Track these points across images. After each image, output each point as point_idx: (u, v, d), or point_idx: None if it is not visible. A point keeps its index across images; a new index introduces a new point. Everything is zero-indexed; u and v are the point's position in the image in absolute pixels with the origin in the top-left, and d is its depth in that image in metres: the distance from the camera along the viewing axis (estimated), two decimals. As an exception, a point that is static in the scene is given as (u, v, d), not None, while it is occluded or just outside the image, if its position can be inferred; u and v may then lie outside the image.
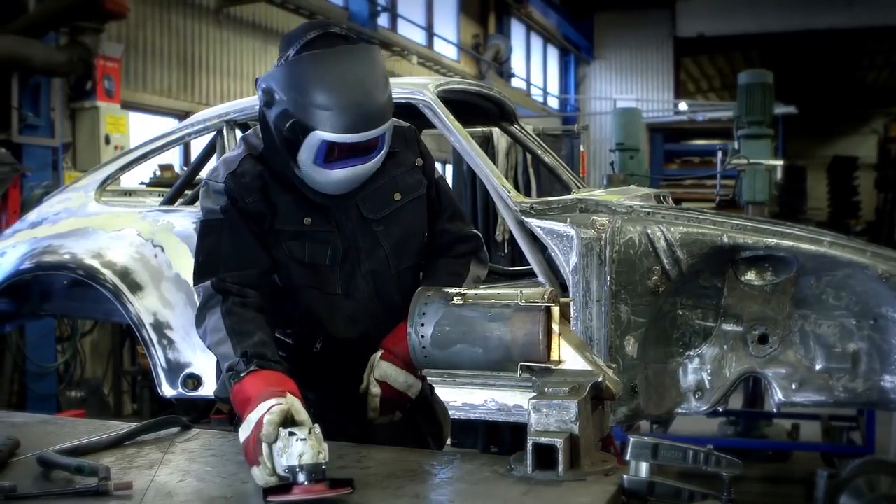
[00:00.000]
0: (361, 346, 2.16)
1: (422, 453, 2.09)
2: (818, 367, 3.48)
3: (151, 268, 4.23)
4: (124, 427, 2.15)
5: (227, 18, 10.21)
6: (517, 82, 19.25)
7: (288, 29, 2.26)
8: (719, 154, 6.98)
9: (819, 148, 26.83)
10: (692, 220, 3.54)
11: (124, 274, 4.21)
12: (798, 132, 19.97)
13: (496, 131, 6.03)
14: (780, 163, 7.02)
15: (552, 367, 1.85)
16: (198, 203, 2.87)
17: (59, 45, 7.37)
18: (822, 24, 19.15)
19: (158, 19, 9.16)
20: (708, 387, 3.57)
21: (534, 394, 1.81)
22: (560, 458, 1.70)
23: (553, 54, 22.28)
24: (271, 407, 1.74)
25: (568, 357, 1.86)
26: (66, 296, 4.70)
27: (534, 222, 3.70)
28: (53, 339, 7.17)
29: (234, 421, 2.29)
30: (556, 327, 1.87)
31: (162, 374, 4.13)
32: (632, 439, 1.70)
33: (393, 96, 2.11)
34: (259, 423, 1.73)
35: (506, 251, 6.19)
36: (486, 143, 6.14)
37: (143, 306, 4.17)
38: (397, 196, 2.22)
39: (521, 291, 1.89)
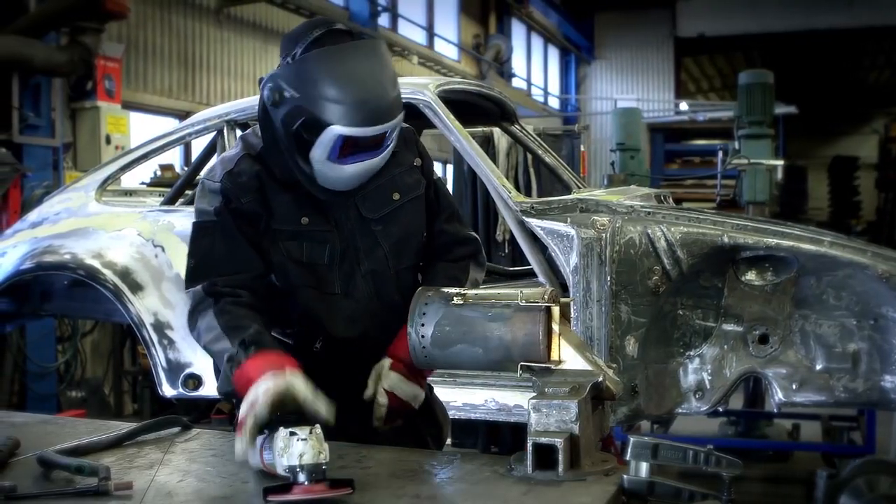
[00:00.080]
0: (361, 346, 2.16)
1: (422, 453, 2.09)
2: (818, 367, 3.48)
3: (152, 268, 4.23)
4: (124, 427, 2.15)
5: (227, 18, 10.21)
6: (518, 82, 19.25)
7: (288, 29, 2.26)
8: (720, 154, 6.97)
9: (820, 148, 26.83)
10: (692, 220, 3.54)
11: (125, 274, 4.21)
12: (799, 132, 19.96)
13: (497, 131, 6.03)
14: (780, 163, 7.02)
15: (552, 367, 1.85)
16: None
17: (60, 45, 7.37)
18: (823, 23, 19.15)
19: (159, 19, 9.16)
20: (708, 387, 3.56)
21: (534, 394, 1.81)
22: (560, 458, 1.70)
23: (554, 54, 22.28)
24: (268, 386, 1.79)
25: (568, 357, 1.86)
26: (66, 296, 4.70)
27: (534, 222, 3.70)
28: (54, 339, 7.17)
29: (234, 421, 2.30)
30: (556, 327, 1.87)
31: (162, 374, 4.13)
32: (632, 439, 1.70)
33: None
34: (254, 403, 1.78)
35: (506, 251, 6.19)
36: (487, 143, 6.14)
37: (144, 306, 4.17)
38: (396, 196, 2.22)
39: (521, 291, 1.89)
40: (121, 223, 4.37)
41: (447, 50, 16.41)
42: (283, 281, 2.15)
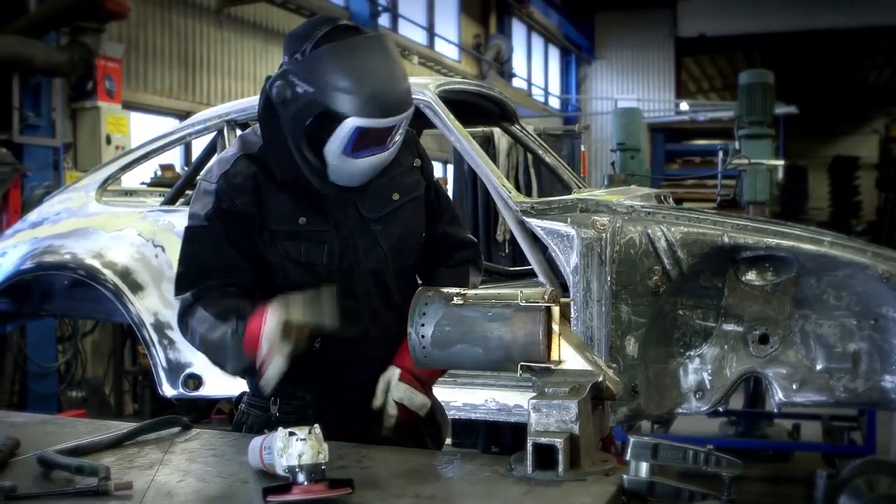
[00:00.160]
0: (361, 345, 2.17)
1: (422, 453, 2.09)
2: (819, 367, 3.48)
3: (152, 268, 4.23)
4: (124, 427, 2.14)
5: (227, 18, 10.21)
6: (518, 82, 19.25)
7: (289, 29, 2.26)
8: (720, 154, 6.98)
9: (820, 148, 26.83)
10: (693, 220, 3.54)
11: (125, 274, 4.21)
12: (799, 132, 19.97)
13: (497, 131, 6.03)
14: (780, 163, 7.03)
15: (552, 367, 1.85)
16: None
17: (60, 45, 7.37)
18: (824, 23, 19.15)
19: (159, 19, 9.16)
20: (709, 387, 3.56)
21: (534, 394, 1.81)
22: (560, 458, 1.69)
23: (554, 54, 22.28)
24: (273, 316, 1.90)
25: (568, 357, 1.86)
26: (66, 296, 4.70)
27: (534, 222, 3.70)
28: (54, 339, 7.18)
29: (234, 421, 2.30)
30: (556, 327, 1.86)
31: (163, 374, 4.13)
32: (632, 439, 1.70)
33: None
34: (269, 336, 1.90)
35: (506, 251, 6.19)
36: (487, 144, 6.14)
37: (144, 306, 4.17)
38: (396, 196, 2.23)
39: (521, 291, 1.89)
40: (121, 223, 4.38)
41: (447, 50, 16.41)
42: (282, 281, 2.15)
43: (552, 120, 19.10)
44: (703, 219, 3.54)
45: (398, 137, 2.11)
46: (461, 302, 1.93)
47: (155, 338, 4.14)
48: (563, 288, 3.65)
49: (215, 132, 4.37)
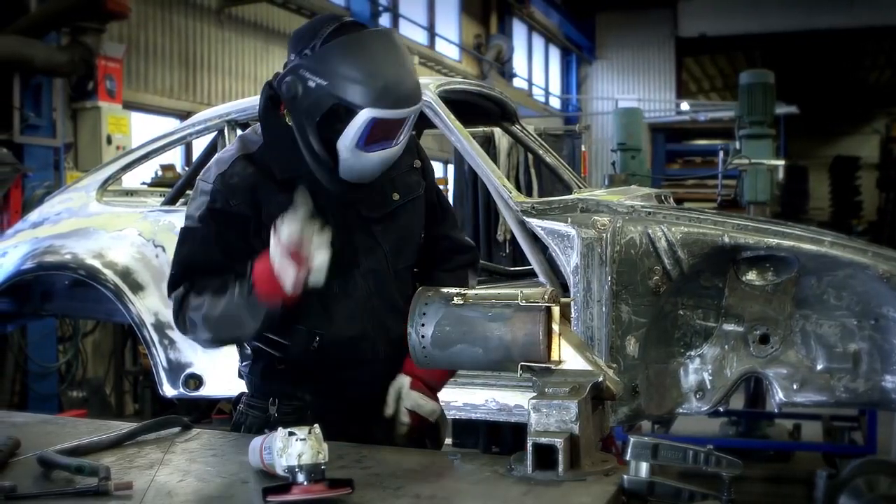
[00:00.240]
0: (360, 345, 2.17)
1: (421, 453, 2.09)
2: (819, 367, 3.47)
3: (153, 268, 4.23)
4: (125, 427, 2.14)
5: (228, 18, 10.21)
6: (519, 82, 19.25)
7: (290, 29, 2.27)
8: (721, 154, 6.99)
9: (821, 148, 26.81)
10: (693, 220, 3.54)
11: (125, 274, 4.21)
12: (800, 132, 19.96)
13: (497, 131, 6.03)
14: (781, 163, 7.04)
15: (552, 367, 1.85)
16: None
17: (61, 45, 7.38)
18: (824, 23, 19.14)
19: (160, 19, 9.16)
20: (709, 387, 3.56)
21: (534, 394, 1.81)
22: (560, 458, 1.69)
23: (555, 54, 22.27)
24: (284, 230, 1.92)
25: (568, 357, 1.86)
26: (67, 296, 4.70)
27: (535, 222, 3.70)
28: (55, 339, 7.18)
29: (233, 421, 2.30)
30: (556, 327, 1.86)
31: (163, 374, 4.13)
32: (632, 439, 1.70)
33: None
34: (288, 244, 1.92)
35: (507, 251, 6.19)
36: (488, 144, 6.14)
37: (145, 306, 4.17)
38: (396, 196, 2.24)
39: (521, 291, 1.89)
40: (122, 223, 4.38)
41: (448, 50, 16.41)
42: (281, 281, 2.15)
43: (553, 120, 19.11)
44: (704, 219, 3.54)
45: (406, 133, 2.12)
46: (461, 302, 1.93)
47: (155, 338, 4.14)
48: (564, 288, 3.65)
49: (216, 132, 4.37)
